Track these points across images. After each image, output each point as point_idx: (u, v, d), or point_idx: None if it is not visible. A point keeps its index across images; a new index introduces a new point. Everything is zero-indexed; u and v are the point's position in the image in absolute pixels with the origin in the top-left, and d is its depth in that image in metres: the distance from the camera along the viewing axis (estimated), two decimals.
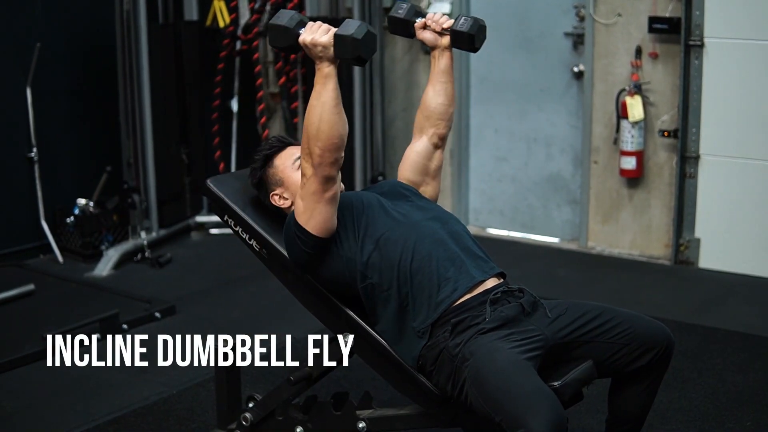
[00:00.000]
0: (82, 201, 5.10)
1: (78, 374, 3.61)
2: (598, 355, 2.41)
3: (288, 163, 2.67)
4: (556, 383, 2.30)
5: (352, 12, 5.11)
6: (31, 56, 4.83)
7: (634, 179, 4.97)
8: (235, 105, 5.58)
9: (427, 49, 5.36)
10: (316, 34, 2.34)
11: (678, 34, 4.63)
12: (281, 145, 2.72)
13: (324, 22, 2.40)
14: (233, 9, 5.38)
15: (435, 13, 2.70)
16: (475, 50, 2.66)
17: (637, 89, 4.80)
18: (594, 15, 4.93)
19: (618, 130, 4.92)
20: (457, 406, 2.38)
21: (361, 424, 2.60)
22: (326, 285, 2.58)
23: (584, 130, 5.11)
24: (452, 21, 2.66)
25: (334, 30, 2.33)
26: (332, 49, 2.32)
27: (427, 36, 2.71)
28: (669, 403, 3.27)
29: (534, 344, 2.31)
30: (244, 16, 5.38)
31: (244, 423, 2.82)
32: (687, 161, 4.76)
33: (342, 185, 2.64)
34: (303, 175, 2.43)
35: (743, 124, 4.61)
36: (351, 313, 2.56)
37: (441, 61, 2.71)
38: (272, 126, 5.44)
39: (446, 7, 5.35)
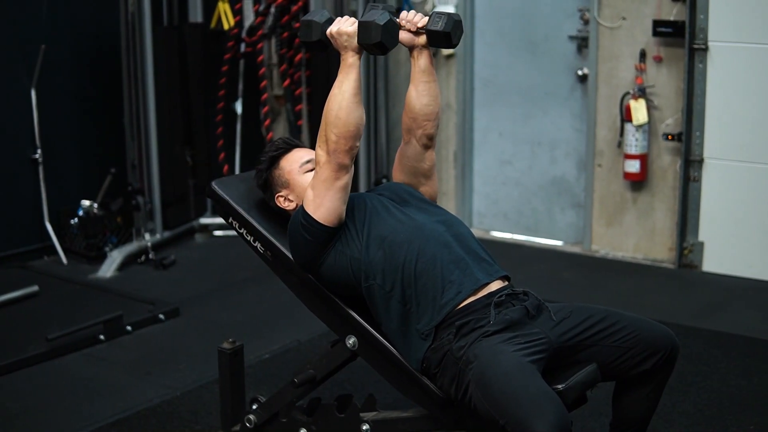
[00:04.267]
0: (86, 203, 5.11)
1: (82, 376, 3.62)
2: (603, 358, 2.41)
3: (295, 167, 2.67)
4: (559, 386, 2.30)
5: (357, 15, 5.11)
6: (36, 58, 4.84)
7: (638, 183, 4.96)
8: (239, 107, 5.58)
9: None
10: (342, 24, 2.48)
11: (682, 37, 4.63)
12: (287, 147, 2.73)
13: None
14: (238, 11, 5.38)
15: (408, 12, 2.63)
16: (452, 47, 2.61)
17: (642, 93, 4.80)
18: (598, 18, 4.93)
19: (622, 133, 4.92)
20: (460, 408, 2.38)
21: (365, 427, 2.60)
22: (329, 286, 2.58)
23: (588, 133, 5.11)
24: (427, 19, 2.58)
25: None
26: (356, 38, 2.44)
27: (403, 36, 2.60)
28: (672, 406, 3.26)
29: (538, 347, 2.31)
30: (249, 18, 5.38)
31: (248, 425, 2.82)
32: (691, 165, 4.76)
33: None
34: (317, 162, 2.48)
35: (747, 127, 4.61)
36: (355, 315, 2.56)
37: (420, 61, 2.65)
38: (276, 128, 5.44)
39: (450, 10, 5.35)
